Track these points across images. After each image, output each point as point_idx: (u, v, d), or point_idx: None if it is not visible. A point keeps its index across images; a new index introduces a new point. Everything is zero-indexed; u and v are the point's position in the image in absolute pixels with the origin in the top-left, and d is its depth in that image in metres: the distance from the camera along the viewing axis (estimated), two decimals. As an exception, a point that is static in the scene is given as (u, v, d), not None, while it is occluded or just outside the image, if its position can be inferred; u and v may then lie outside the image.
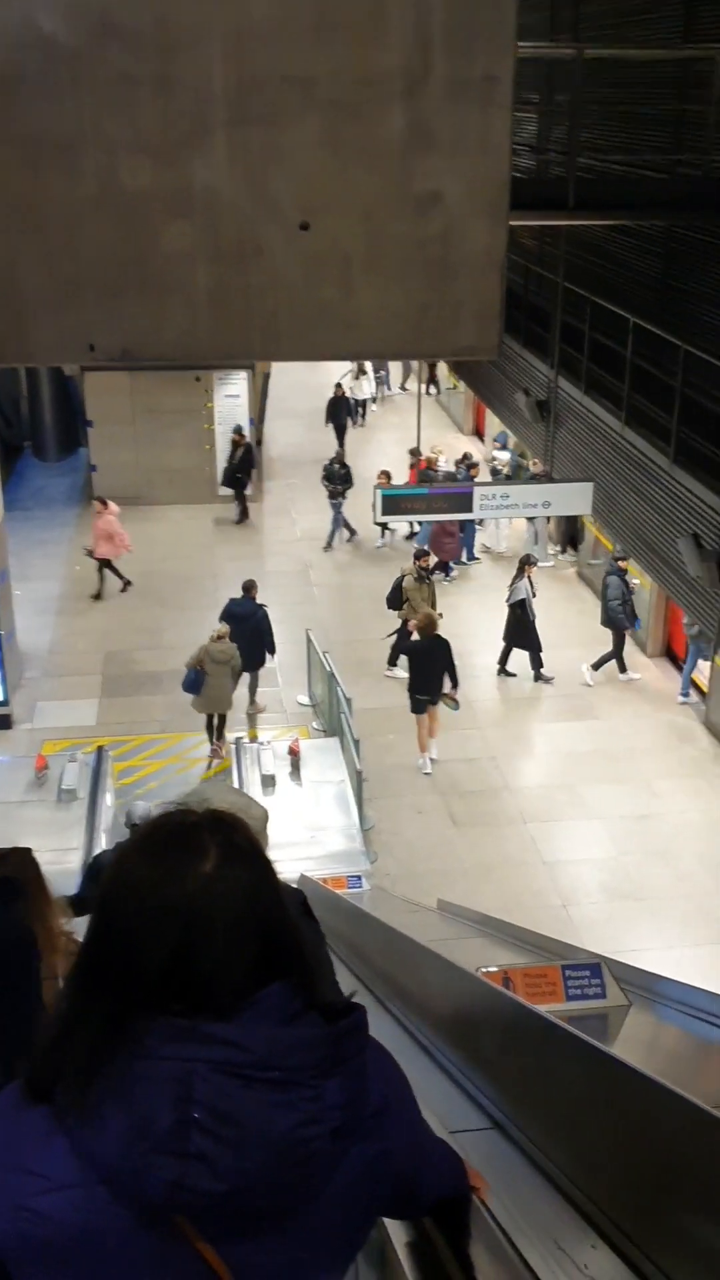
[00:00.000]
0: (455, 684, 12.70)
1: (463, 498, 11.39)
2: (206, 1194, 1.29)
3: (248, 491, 19.94)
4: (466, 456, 18.92)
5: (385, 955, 4.18)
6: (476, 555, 17.98)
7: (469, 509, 11.35)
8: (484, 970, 3.09)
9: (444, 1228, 1.83)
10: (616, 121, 11.53)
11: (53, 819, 10.36)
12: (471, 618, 16.29)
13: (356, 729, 11.52)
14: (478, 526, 17.78)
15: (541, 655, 14.26)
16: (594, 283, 12.17)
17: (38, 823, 10.32)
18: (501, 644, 14.47)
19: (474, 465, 18.24)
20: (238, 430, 19.70)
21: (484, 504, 11.28)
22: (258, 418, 20.67)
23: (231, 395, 20.19)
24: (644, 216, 10.64)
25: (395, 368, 27.51)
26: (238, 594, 14.00)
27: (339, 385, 22.51)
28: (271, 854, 1.48)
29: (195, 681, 12.37)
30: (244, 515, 19.94)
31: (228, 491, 19.99)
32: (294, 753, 10.98)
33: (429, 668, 12.49)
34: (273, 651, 13.66)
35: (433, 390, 27.29)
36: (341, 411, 22.30)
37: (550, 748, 13.04)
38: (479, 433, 24.03)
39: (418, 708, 12.58)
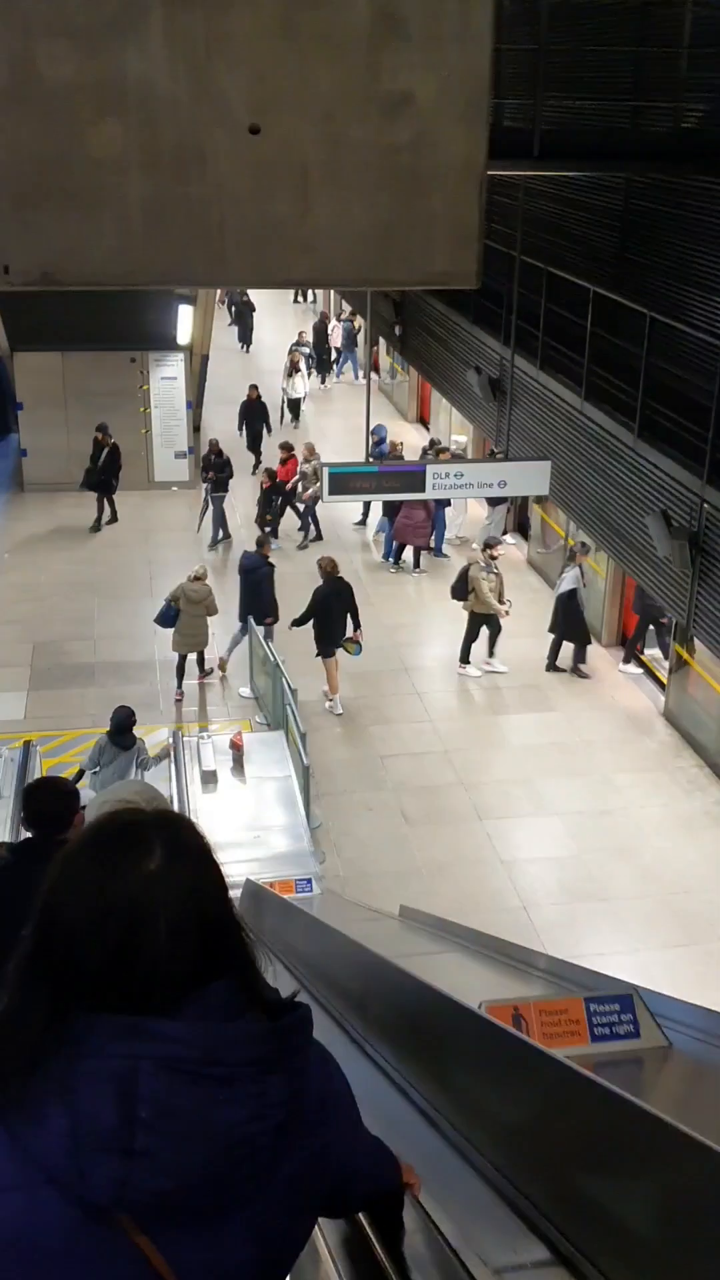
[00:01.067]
0: (358, 626, 13.05)
1: (414, 476, 10.79)
2: (151, 1191, 1.28)
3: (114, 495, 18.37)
4: (434, 443, 18.37)
5: (349, 976, 3.58)
6: (445, 552, 17.35)
7: (421, 488, 10.76)
8: (489, 1004, 2.49)
9: (378, 1224, 1.81)
10: (583, 69, 10.98)
11: (-26, 820, 9.60)
12: (421, 606, 15.74)
13: (302, 722, 10.90)
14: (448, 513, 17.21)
15: (586, 649, 13.72)
16: (548, 260, 11.66)
17: (-42, 824, 9.55)
18: (549, 636, 13.79)
19: (443, 451, 17.67)
20: (101, 428, 18.13)
21: (437, 483, 10.70)
22: (195, 401, 19.93)
23: (168, 377, 19.43)
24: (612, 168, 10.13)
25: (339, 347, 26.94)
26: (170, 582, 13.95)
27: (254, 387, 20.84)
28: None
29: (169, 616, 13.00)
30: (98, 522, 18.23)
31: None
32: (236, 747, 10.31)
33: (335, 612, 12.84)
34: (269, 615, 13.66)
35: (373, 377, 26.72)
36: (256, 417, 20.58)
37: (504, 741, 12.50)
38: (423, 420, 23.50)
39: (327, 653, 12.89)
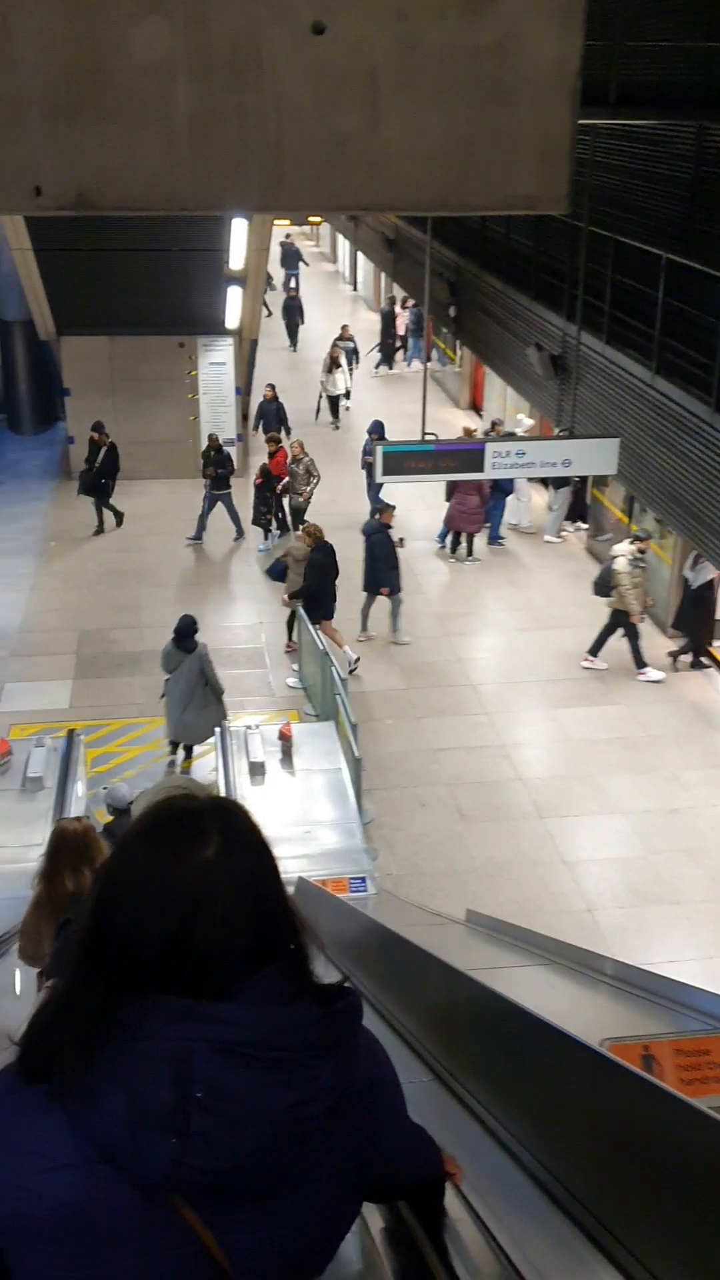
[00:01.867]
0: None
1: (473, 455, 10.27)
2: (205, 1172, 1.30)
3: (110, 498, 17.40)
4: (496, 424, 17.81)
5: (422, 993, 3.12)
6: (503, 536, 16.78)
7: (480, 468, 10.24)
8: (611, 1042, 2.03)
9: (419, 1212, 1.82)
10: (661, 14, 10.33)
11: (15, 810, 9.23)
12: (475, 596, 15.22)
13: (353, 712, 10.44)
14: (509, 501, 16.63)
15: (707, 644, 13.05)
16: (614, 232, 11.10)
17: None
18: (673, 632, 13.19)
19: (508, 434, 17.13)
20: (97, 427, 17.25)
21: (497, 462, 10.17)
22: (244, 388, 19.52)
23: (216, 363, 19.03)
24: (692, 115, 9.54)
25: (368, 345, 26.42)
26: (217, 569, 13.93)
27: (270, 386, 19.88)
28: None
29: (280, 570, 13.56)
30: (101, 528, 17.30)
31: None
32: (285, 738, 9.87)
33: (329, 578, 13.01)
34: (389, 586, 13.60)
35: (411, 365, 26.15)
36: (271, 416, 19.48)
37: (563, 736, 11.97)
38: (476, 407, 22.96)
39: (326, 616, 12.92)
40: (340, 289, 37.60)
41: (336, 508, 17.16)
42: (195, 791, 1.52)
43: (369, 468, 17.03)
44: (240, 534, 17.04)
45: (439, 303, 18.20)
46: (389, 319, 26.41)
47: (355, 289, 36.38)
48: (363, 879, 7.71)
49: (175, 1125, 1.29)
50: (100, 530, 17.27)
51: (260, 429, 19.56)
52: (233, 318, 18.20)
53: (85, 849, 4.84)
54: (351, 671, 12.74)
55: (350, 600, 13.62)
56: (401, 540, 14.31)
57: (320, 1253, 1.46)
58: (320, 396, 22.45)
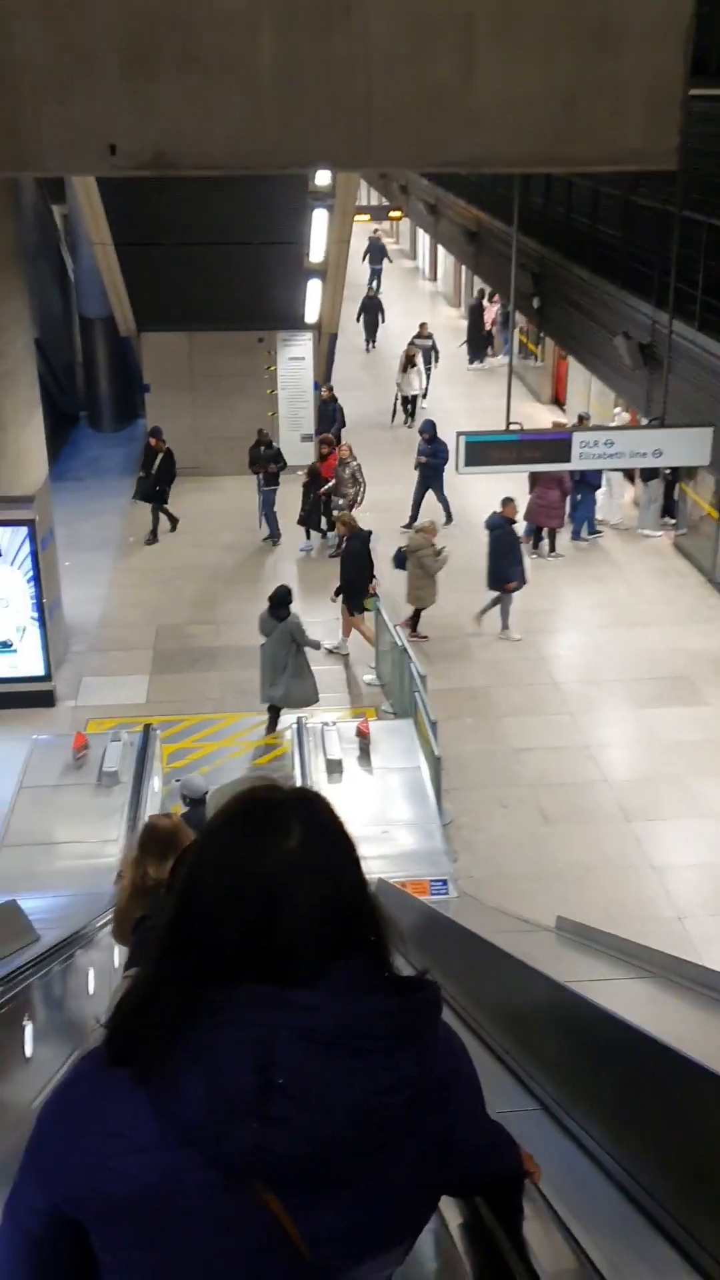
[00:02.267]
0: (373, 577, 13.19)
1: (559, 445, 9.96)
2: (286, 1157, 1.30)
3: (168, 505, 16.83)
4: (583, 418, 17.42)
5: (521, 1008, 2.88)
6: (586, 537, 16.37)
7: (566, 458, 9.93)
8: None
9: (497, 1209, 1.81)
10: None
11: (91, 805, 9.17)
12: (557, 592, 14.87)
13: (432, 709, 10.20)
14: (598, 497, 16.24)
15: None
16: (710, 214, 10.70)
17: (74, 809, 9.13)
18: (699, 627, 12.86)
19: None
20: (155, 433, 16.70)
21: (584, 452, 9.85)
22: (323, 381, 19.37)
23: (295, 358, 18.91)
24: None
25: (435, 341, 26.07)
26: (294, 568, 14.02)
27: (329, 388, 19.01)
28: None
29: (400, 559, 13.41)
30: (154, 534, 16.67)
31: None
32: (363, 735, 9.67)
33: (366, 567, 13.02)
34: (515, 581, 13.43)
35: (485, 360, 25.73)
36: (329, 418, 18.65)
37: (650, 736, 11.59)
38: (559, 401, 22.55)
39: (361, 608, 13.00)
40: (420, 285, 37.33)
41: (404, 506, 16.96)
42: (279, 783, 1.49)
43: (421, 468, 16.68)
44: (275, 535, 16.77)
45: (522, 294, 17.86)
46: (477, 313, 26.03)
47: (435, 284, 36.08)
48: (444, 881, 7.47)
49: (257, 1110, 1.29)
50: (154, 539, 16.73)
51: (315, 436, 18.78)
52: (312, 312, 18.05)
53: (173, 842, 5.07)
54: (330, 651, 12.87)
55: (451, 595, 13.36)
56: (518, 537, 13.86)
57: (397, 1243, 1.46)
58: (395, 397, 21.96)
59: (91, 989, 5.87)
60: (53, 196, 21.22)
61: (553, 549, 15.85)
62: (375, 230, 36.22)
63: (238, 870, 1.36)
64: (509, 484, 16.08)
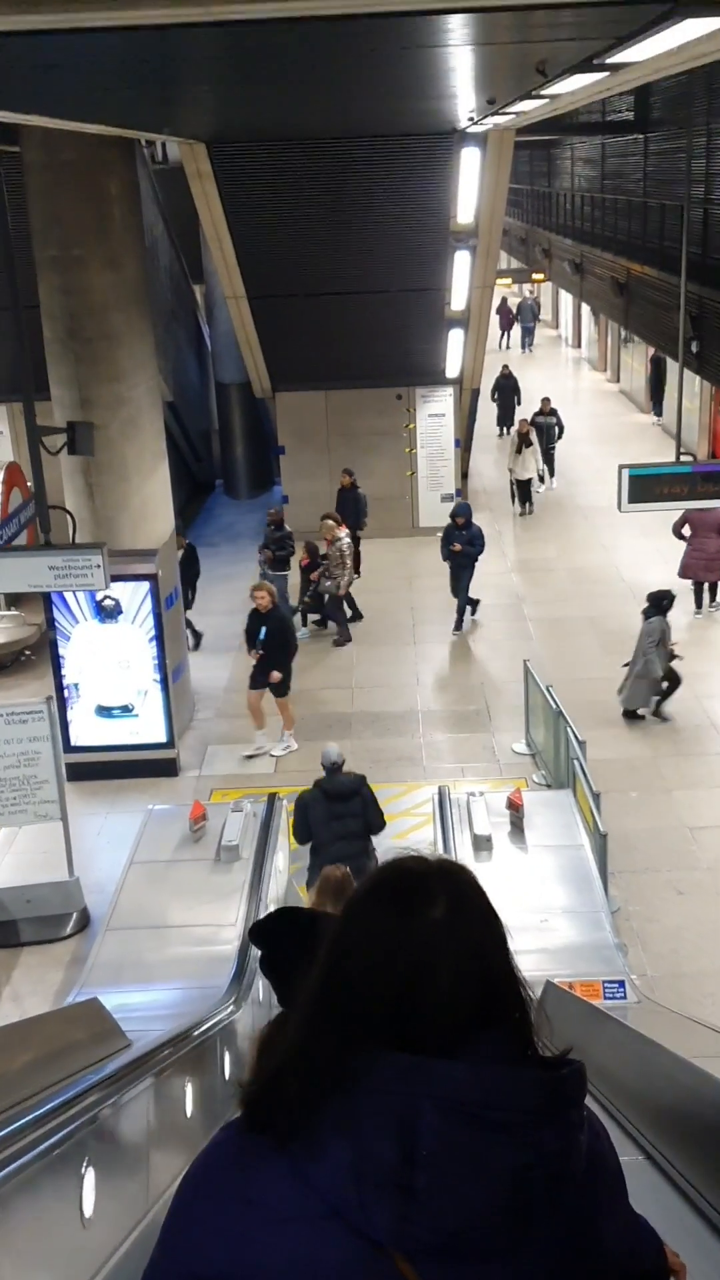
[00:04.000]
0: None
1: (740, 476, 8.73)
2: (428, 1230, 1.28)
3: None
4: None
5: None
6: None
7: (749, 491, 8.69)
8: None
9: None
10: None
11: (209, 883, 8.15)
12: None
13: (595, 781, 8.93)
14: None
15: None
16: None
17: (189, 887, 8.12)
18: None
19: None
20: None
21: (770, 483, 8.60)
22: (464, 440, 18.46)
23: (435, 414, 18.06)
24: None
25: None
26: (435, 628, 13.32)
27: (348, 473, 16.56)
28: None
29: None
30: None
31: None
32: (515, 807, 8.44)
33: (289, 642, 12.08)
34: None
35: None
36: (349, 506, 16.14)
37: None
38: (716, 455, 21.10)
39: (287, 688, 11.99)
40: (563, 352, 36.45)
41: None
42: (425, 854, 1.46)
43: (453, 558, 14.52)
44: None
45: (673, 339, 16.70)
46: (659, 365, 24.94)
47: (580, 350, 35.11)
48: (620, 983, 6.15)
49: (401, 1180, 1.28)
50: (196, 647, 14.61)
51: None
52: (453, 365, 17.22)
53: (344, 890, 5.55)
54: (249, 757, 11.60)
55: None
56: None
57: None
58: (510, 483, 19.71)
59: (189, 1109, 4.77)
60: (192, 276, 21.17)
61: (714, 600, 14.44)
62: (531, 291, 35.96)
63: (381, 938, 1.36)
64: (671, 546, 14.80)
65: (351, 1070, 1.32)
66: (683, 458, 9.01)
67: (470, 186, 12.69)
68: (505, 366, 25.04)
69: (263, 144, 12.65)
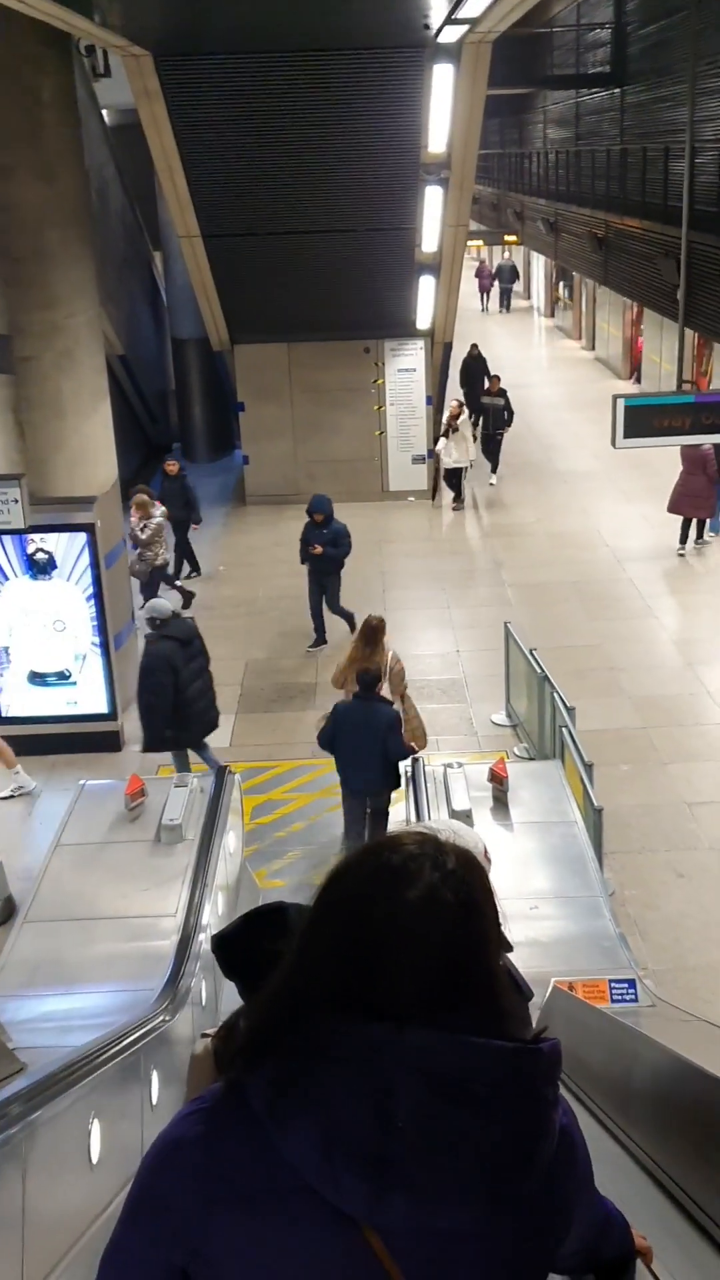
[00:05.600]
0: None
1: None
2: (402, 1201, 1.26)
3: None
4: None
5: None
6: None
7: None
8: None
9: None
10: None
11: (145, 867, 7.06)
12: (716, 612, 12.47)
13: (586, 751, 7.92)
14: None
15: None
16: None
17: (123, 873, 7.02)
18: None
19: None
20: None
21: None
22: (436, 398, 17.37)
23: (406, 369, 16.98)
24: None
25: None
26: (408, 593, 12.31)
27: (175, 461, 15.08)
28: None
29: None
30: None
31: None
32: (498, 779, 7.40)
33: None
34: None
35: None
36: (174, 497, 14.21)
37: None
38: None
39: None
40: (535, 321, 35.41)
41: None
42: (437, 834, 1.41)
43: (312, 563, 12.15)
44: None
45: (663, 289, 15.72)
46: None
47: (553, 320, 34.08)
48: (629, 982, 5.12)
49: (375, 1152, 1.25)
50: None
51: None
52: (424, 316, 16.13)
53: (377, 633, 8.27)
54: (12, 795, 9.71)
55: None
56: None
57: None
58: (437, 472, 17.08)
59: (95, 1153, 3.70)
60: (152, 244, 20.06)
61: (700, 536, 13.65)
62: (506, 254, 35.34)
63: (353, 913, 1.35)
64: (656, 508, 13.85)
65: (326, 1043, 1.29)
66: (684, 386, 7.94)
67: (443, 108, 11.58)
68: (474, 347, 21.49)
69: (215, 58, 11.48)
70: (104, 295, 15.78)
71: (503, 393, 18.03)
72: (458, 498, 17.02)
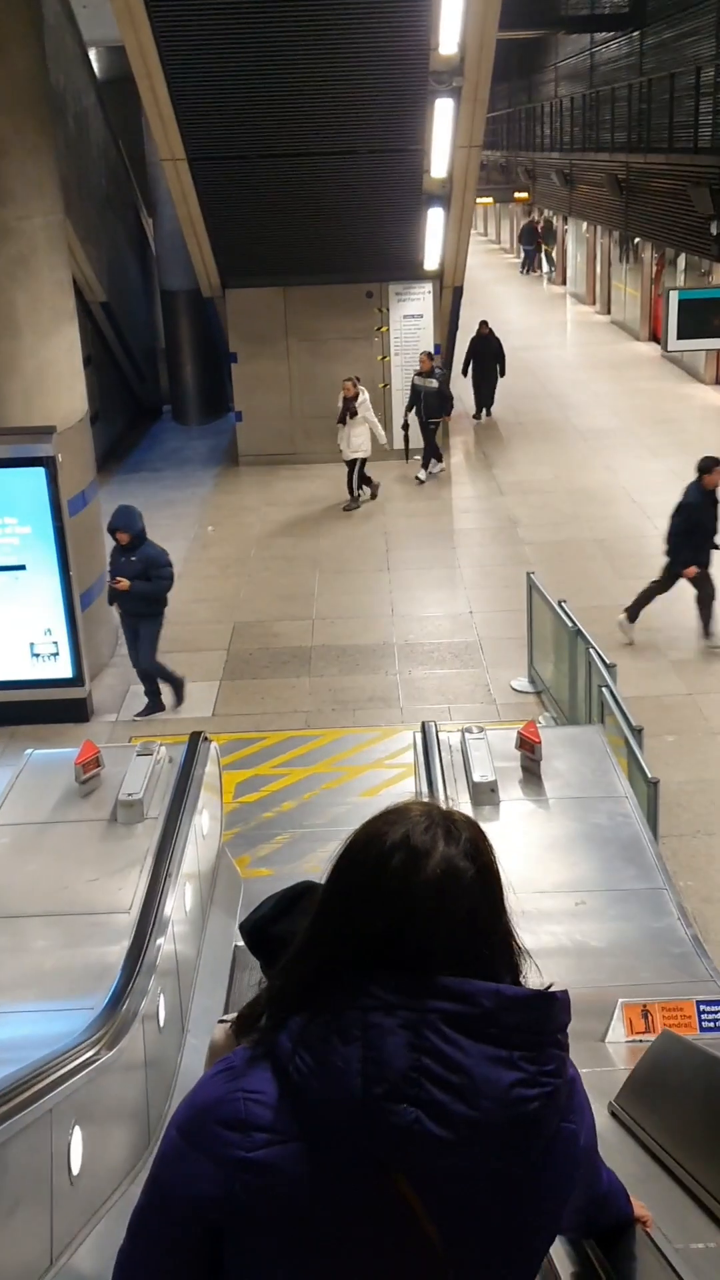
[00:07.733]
0: None
1: None
2: (436, 1141, 1.28)
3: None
4: None
5: None
6: None
7: None
8: None
9: (611, 1256, 1.80)
10: None
11: (97, 852, 5.75)
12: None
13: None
14: None
15: None
16: None
17: (70, 858, 5.70)
18: None
19: None
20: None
21: None
22: (445, 346, 16.01)
23: (412, 315, 15.61)
24: None
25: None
26: (413, 553, 11.36)
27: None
28: None
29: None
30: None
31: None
32: (529, 744, 6.05)
33: None
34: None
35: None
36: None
37: None
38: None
39: None
40: (545, 289, 33.95)
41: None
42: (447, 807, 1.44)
43: (118, 600, 9.03)
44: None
45: (691, 225, 14.35)
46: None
47: (565, 286, 32.58)
48: (718, 1003, 3.80)
49: (407, 1093, 1.27)
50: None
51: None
52: (432, 256, 14.76)
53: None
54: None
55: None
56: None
57: (523, 1266, 1.41)
58: (352, 465, 14.20)
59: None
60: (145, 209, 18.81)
61: None
62: (542, 212, 33.78)
63: (373, 891, 1.35)
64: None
65: (356, 989, 1.31)
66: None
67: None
68: (484, 324, 17.83)
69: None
70: (82, 232, 14.47)
71: (432, 372, 14.75)
72: (355, 498, 14.16)
